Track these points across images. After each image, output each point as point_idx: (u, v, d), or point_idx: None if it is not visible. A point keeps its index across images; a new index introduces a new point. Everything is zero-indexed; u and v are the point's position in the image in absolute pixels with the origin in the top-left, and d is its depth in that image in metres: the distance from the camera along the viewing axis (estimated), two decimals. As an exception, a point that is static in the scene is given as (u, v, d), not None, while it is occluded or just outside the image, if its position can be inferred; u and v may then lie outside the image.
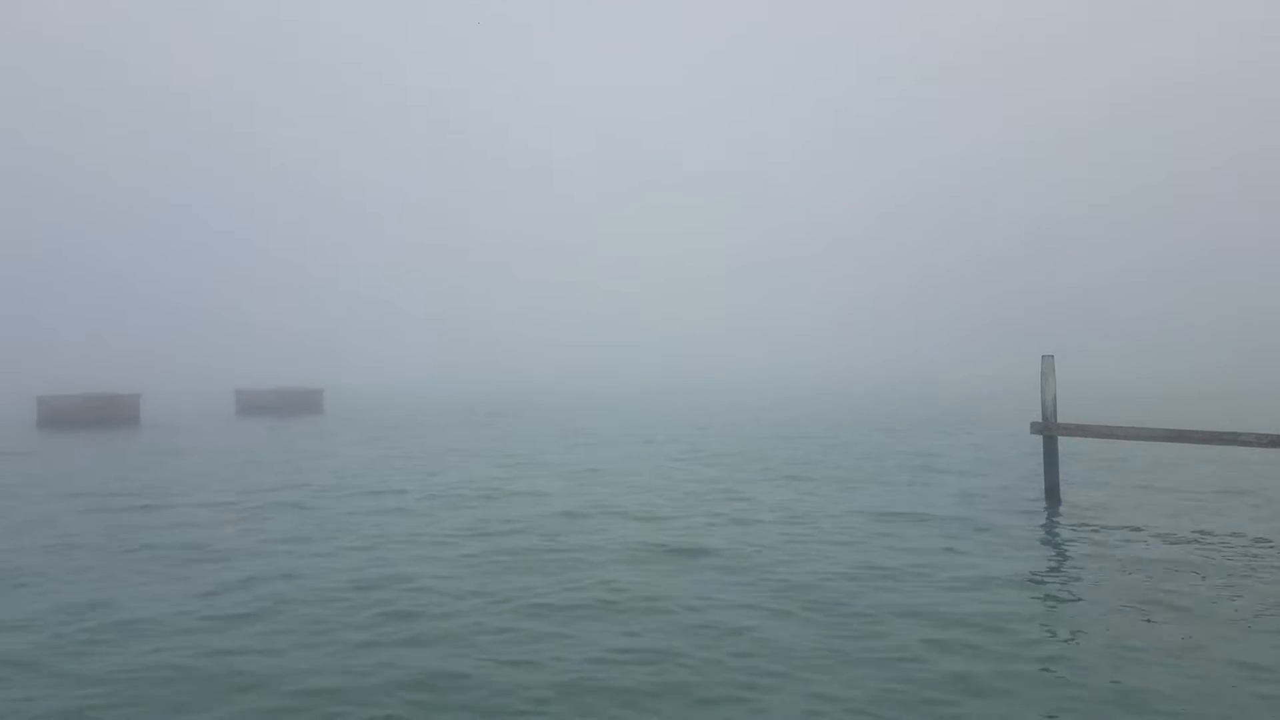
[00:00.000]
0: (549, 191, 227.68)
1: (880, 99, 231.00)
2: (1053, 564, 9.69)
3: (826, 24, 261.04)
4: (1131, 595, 8.37)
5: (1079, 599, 8.26)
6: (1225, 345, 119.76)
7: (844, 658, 6.67)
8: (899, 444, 22.96)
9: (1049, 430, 13.38)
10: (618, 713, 5.75)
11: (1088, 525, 11.81)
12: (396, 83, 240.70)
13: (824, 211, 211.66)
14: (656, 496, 14.54)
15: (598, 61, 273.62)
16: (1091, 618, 7.67)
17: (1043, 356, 13.40)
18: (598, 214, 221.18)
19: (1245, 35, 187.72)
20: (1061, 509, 13.00)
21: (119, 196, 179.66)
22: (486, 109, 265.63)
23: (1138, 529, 11.53)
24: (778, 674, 6.36)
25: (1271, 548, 10.36)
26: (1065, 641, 7.07)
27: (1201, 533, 11.25)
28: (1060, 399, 19.95)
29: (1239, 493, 14.15)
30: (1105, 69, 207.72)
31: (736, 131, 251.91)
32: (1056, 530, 11.61)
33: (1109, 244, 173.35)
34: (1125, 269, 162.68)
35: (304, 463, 20.25)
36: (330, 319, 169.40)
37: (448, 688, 6.18)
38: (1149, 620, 7.59)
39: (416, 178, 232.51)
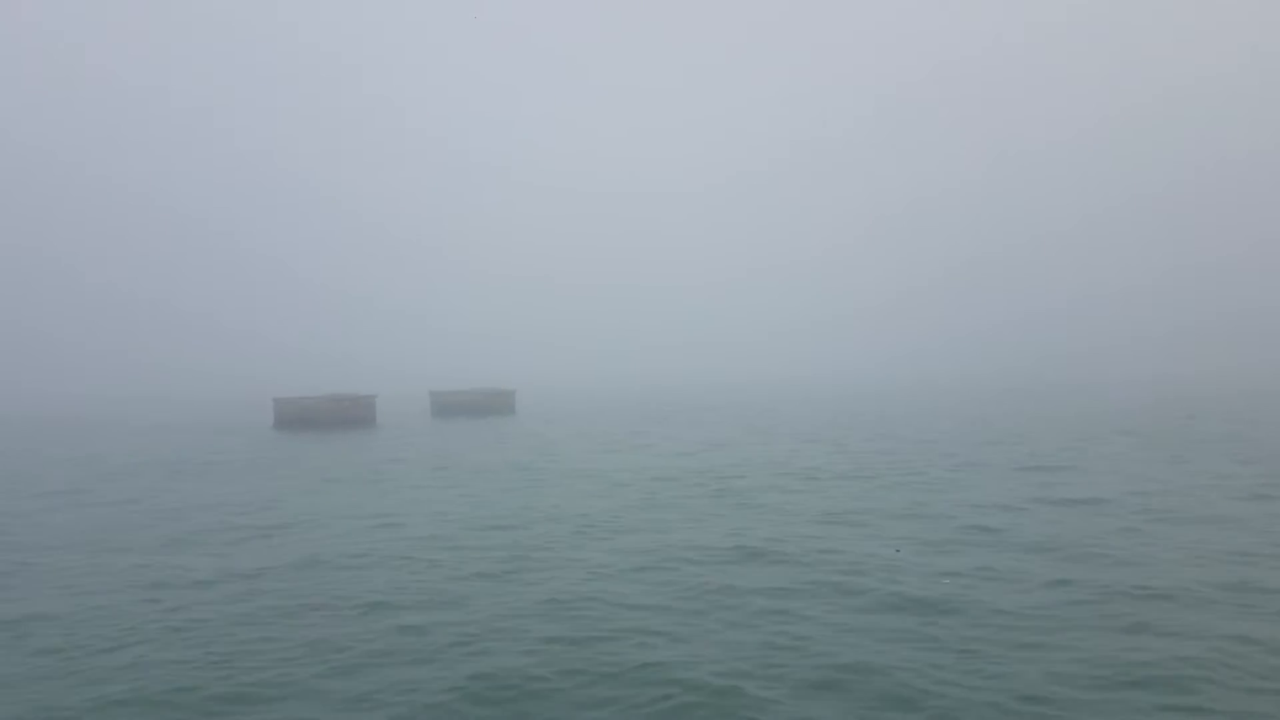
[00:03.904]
0: (546, 193, 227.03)
1: (867, 111, 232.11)
2: None
3: (811, 41, 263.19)
4: None
5: None
6: (1221, 344, 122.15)
7: None
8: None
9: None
10: None
11: None
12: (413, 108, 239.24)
13: (813, 222, 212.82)
14: None
15: (591, 68, 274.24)
16: None
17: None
18: (595, 220, 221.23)
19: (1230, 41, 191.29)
20: None
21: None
22: (477, 117, 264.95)
23: None
24: None
25: None
26: None
27: None
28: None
29: None
30: (1097, 78, 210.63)
31: (740, 142, 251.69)
32: None
33: (1102, 250, 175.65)
34: (1115, 274, 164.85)
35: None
36: (331, 326, 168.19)
37: None
38: None
39: (414, 186, 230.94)
